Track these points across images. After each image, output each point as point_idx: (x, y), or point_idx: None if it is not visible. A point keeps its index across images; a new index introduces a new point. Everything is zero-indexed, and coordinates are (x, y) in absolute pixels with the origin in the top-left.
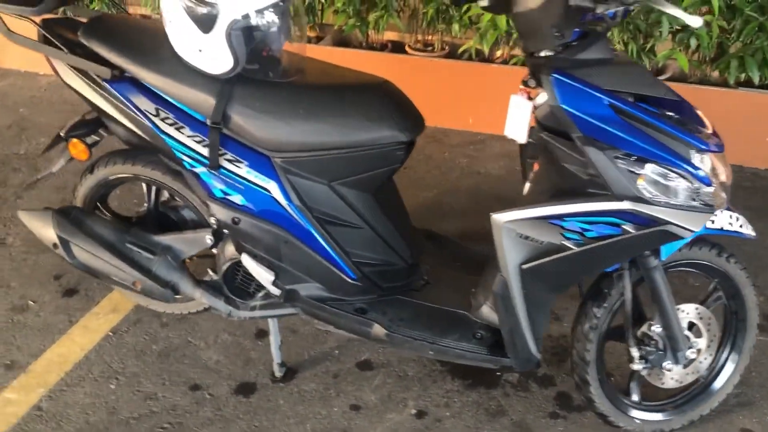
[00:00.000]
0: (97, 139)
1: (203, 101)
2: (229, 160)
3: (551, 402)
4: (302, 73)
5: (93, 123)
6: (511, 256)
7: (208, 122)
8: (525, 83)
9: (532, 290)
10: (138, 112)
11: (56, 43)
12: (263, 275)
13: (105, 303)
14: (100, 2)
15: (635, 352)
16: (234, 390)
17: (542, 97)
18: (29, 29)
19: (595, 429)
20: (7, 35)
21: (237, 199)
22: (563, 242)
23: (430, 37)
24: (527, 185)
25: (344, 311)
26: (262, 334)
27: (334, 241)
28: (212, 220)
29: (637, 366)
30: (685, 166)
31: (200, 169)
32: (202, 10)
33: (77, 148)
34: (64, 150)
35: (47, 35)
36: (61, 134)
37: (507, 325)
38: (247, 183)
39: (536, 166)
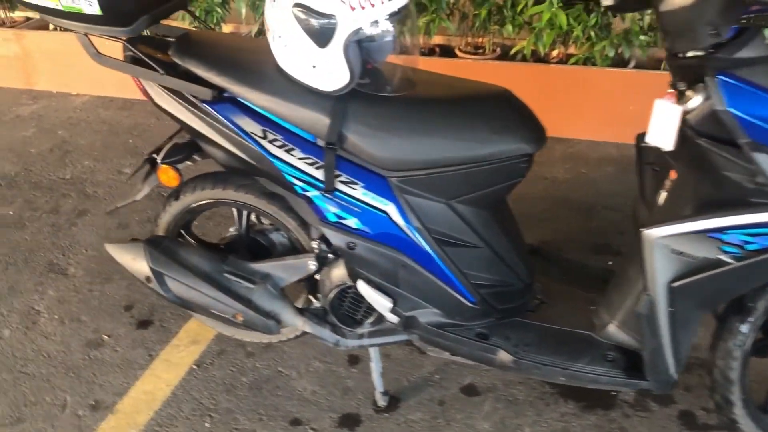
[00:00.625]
0: (190, 164)
1: (315, 121)
2: (343, 182)
3: (675, 422)
4: (416, 86)
5: (187, 148)
6: (660, 274)
7: (320, 143)
8: (673, 86)
9: (681, 309)
10: (243, 135)
11: (150, 63)
12: (381, 302)
13: (183, 334)
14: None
15: None
16: (337, 422)
17: (695, 100)
18: (112, 50)
19: None
20: (95, 58)
21: (352, 222)
22: (720, 257)
23: (480, 40)
24: (663, 194)
25: (465, 337)
26: (355, 360)
27: (452, 263)
28: (314, 245)
29: None
30: None
31: (313, 193)
32: (320, 22)
33: (168, 175)
34: (151, 176)
35: (139, 55)
36: (158, 160)
37: (650, 346)
38: (363, 205)
39: (673, 174)
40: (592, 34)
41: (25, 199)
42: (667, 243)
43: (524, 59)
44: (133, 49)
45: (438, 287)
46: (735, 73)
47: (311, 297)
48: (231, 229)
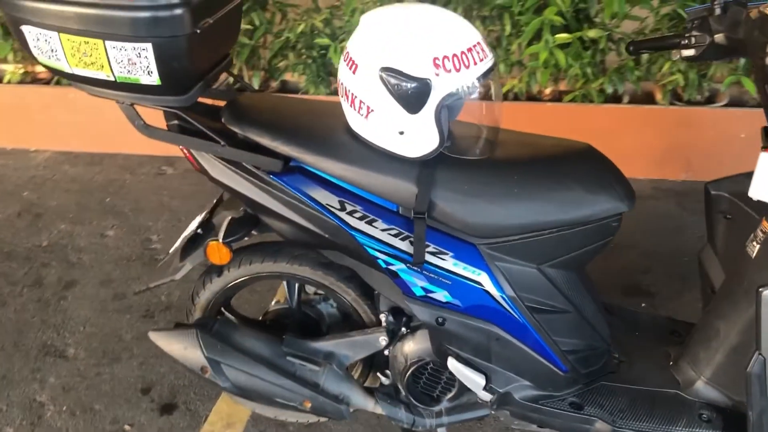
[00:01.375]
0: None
1: (401, 189)
2: (432, 253)
3: None
4: (499, 146)
5: (247, 223)
6: None
7: (403, 212)
8: None
9: None
10: (317, 207)
11: (209, 134)
12: (474, 380)
13: (214, 417)
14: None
15: None
16: None
17: None
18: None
19: None
20: (142, 130)
21: (441, 296)
22: None
23: None
24: (756, 246)
25: (560, 410)
26: None
27: (544, 331)
28: (383, 318)
29: None
30: None
31: (398, 267)
32: (413, 87)
33: (220, 252)
34: (193, 252)
35: (196, 125)
36: (219, 239)
37: (759, 407)
38: (454, 277)
39: (767, 224)
40: (588, 71)
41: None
42: None
43: (516, 98)
44: (189, 119)
45: (532, 358)
46: None
47: (380, 375)
48: (273, 303)
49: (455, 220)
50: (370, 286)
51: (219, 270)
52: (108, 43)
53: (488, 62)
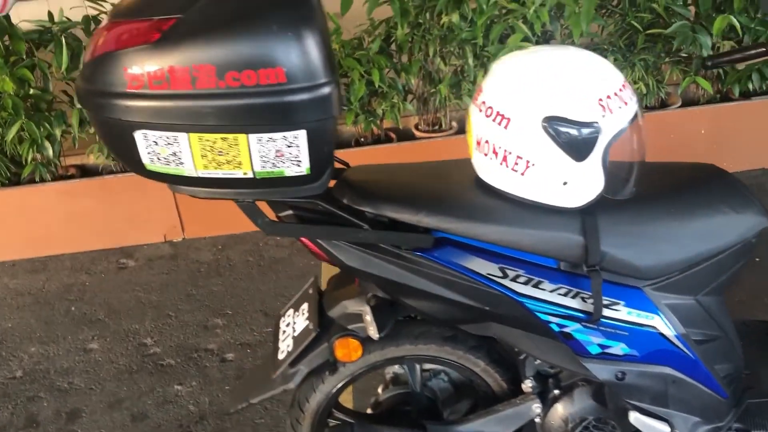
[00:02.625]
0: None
1: (567, 243)
2: (605, 306)
3: None
4: (641, 182)
5: (386, 309)
6: None
7: (563, 267)
8: None
9: None
10: (477, 279)
11: (351, 219)
12: (659, 429)
13: None
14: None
15: None
16: None
17: None
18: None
19: None
20: (268, 228)
21: (618, 349)
22: None
23: (432, 116)
24: None
25: None
26: None
27: (708, 361)
28: (528, 385)
29: None
30: None
31: (572, 327)
32: (582, 133)
33: (349, 347)
34: (316, 353)
35: (337, 212)
36: (373, 334)
37: None
38: (629, 326)
39: None
40: None
41: None
42: None
43: None
44: (329, 207)
45: (703, 393)
46: None
47: None
48: (380, 391)
49: (626, 266)
50: (500, 354)
51: (333, 368)
52: (253, 136)
53: (636, 99)
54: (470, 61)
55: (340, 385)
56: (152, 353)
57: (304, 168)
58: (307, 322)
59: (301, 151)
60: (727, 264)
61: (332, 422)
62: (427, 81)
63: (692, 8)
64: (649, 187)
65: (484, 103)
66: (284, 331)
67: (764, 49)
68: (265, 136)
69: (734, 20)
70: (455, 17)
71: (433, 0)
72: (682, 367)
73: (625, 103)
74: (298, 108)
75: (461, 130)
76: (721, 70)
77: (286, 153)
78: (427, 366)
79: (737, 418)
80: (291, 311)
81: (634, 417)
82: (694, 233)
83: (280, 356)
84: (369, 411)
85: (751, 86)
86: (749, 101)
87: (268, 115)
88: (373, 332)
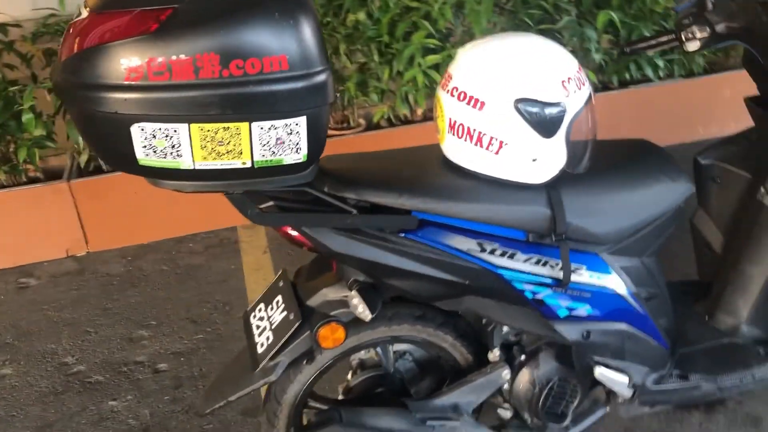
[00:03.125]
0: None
1: (535, 216)
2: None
3: None
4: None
5: (372, 291)
6: None
7: (531, 239)
8: None
9: None
10: (459, 255)
11: (340, 205)
12: (620, 381)
13: None
14: None
15: None
16: None
17: None
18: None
19: None
20: (258, 219)
21: (583, 310)
22: None
23: (340, 114)
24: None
25: (676, 384)
26: None
27: (653, 316)
28: (495, 354)
29: None
30: None
31: (544, 293)
32: (550, 112)
33: (334, 333)
34: (297, 343)
35: (327, 199)
36: (342, 319)
37: None
38: (592, 288)
39: None
40: None
41: None
42: None
43: (392, 124)
44: (318, 193)
45: (651, 345)
46: None
47: (500, 409)
48: (349, 377)
49: (587, 233)
50: (465, 329)
51: (310, 357)
52: (255, 124)
53: (588, 81)
54: (376, 57)
55: (316, 374)
56: (76, 372)
57: (302, 155)
58: (286, 312)
59: (301, 137)
60: (664, 227)
61: (309, 411)
62: (334, 79)
63: (575, 6)
64: (598, 162)
65: (456, 88)
66: (258, 326)
67: (673, 37)
68: (268, 123)
69: (613, 15)
70: (361, 15)
71: None
72: (635, 323)
73: (583, 84)
74: (299, 95)
75: (369, 127)
76: (602, 63)
77: (286, 140)
78: (396, 347)
79: (675, 365)
80: (262, 306)
81: (599, 372)
82: (640, 201)
83: (260, 350)
84: (341, 398)
85: (628, 75)
86: (627, 89)
87: (271, 102)
88: (365, 314)
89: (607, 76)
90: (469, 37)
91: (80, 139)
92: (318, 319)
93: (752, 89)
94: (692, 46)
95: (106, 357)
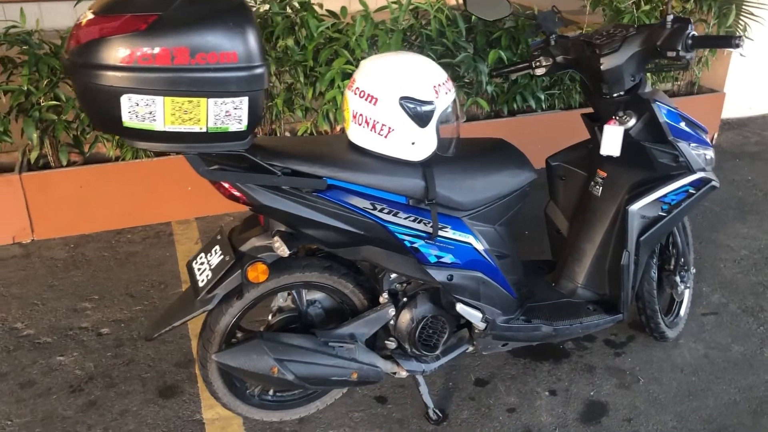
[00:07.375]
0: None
1: (413, 185)
2: (439, 228)
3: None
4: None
5: (290, 238)
6: (633, 234)
7: (411, 203)
8: (619, 116)
9: (641, 257)
10: (357, 211)
11: (268, 167)
12: (475, 315)
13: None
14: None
15: (679, 281)
16: None
17: (632, 121)
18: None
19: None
20: (206, 174)
21: (448, 259)
22: (660, 213)
23: (268, 127)
24: (600, 189)
25: (521, 325)
26: (382, 399)
27: (504, 271)
28: (385, 296)
29: (681, 288)
30: (711, 146)
31: (419, 243)
32: (424, 108)
33: (258, 270)
34: (231, 278)
35: (260, 163)
36: (265, 259)
37: (625, 289)
38: (455, 242)
39: (603, 173)
40: None
41: None
42: (640, 212)
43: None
44: (253, 158)
45: (501, 292)
46: (660, 99)
47: (387, 341)
48: (271, 317)
49: (451, 201)
50: (361, 279)
51: (239, 294)
52: (211, 100)
53: (454, 89)
54: (302, 79)
55: (244, 308)
56: (26, 335)
57: (243, 125)
58: (222, 256)
59: (243, 112)
60: (511, 204)
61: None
62: (264, 97)
63: (472, 44)
64: (463, 150)
65: (358, 88)
66: (200, 269)
67: (527, 64)
68: (220, 100)
69: (502, 54)
70: (290, 42)
71: (271, 26)
72: (488, 273)
73: (450, 90)
74: (243, 81)
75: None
76: (494, 94)
77: (233, 113)
78: (308, 296)
79: (522, 313)
80: (202, 255)
81: (460, 307)
82: (492, 181)
83: (201, 284)
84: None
85: (515, 106)
86: (515, 117)
87: (223, 85)
88: (283, 250)
89: (498, 106)
90: None
91: (34, 136)
92: (248, 260)
93: None
94: (540, 71)
95: (53, 323)
